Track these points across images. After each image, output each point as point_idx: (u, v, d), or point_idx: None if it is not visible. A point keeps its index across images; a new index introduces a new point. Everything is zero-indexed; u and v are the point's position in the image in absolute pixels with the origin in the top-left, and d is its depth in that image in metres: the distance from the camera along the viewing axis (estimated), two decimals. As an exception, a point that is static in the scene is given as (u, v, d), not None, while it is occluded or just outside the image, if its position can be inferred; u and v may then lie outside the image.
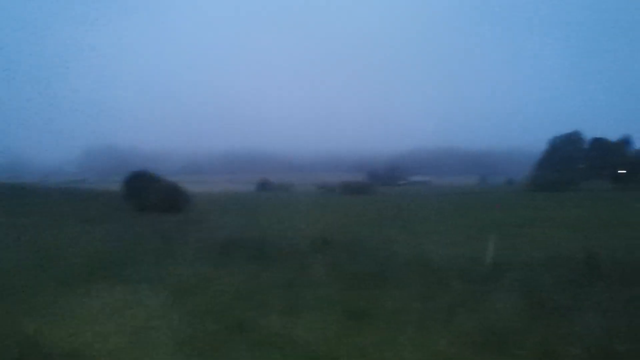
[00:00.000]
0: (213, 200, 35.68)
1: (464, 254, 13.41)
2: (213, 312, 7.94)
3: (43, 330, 7.09)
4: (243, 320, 7.56)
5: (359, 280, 10.18)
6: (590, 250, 10.86)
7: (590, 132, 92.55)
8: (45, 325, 7.28)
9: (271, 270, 11.10)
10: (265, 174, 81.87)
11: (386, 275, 10.63)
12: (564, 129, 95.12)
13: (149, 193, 25.99)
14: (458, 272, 10.84)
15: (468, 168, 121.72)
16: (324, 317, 7.79)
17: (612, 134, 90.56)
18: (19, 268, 11.06)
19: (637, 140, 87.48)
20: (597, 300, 8.09)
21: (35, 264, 11.50)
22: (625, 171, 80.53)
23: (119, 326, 7.34)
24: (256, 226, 18.92)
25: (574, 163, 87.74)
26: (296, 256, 12.58)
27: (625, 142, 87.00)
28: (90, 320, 7.59)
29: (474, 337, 6.94)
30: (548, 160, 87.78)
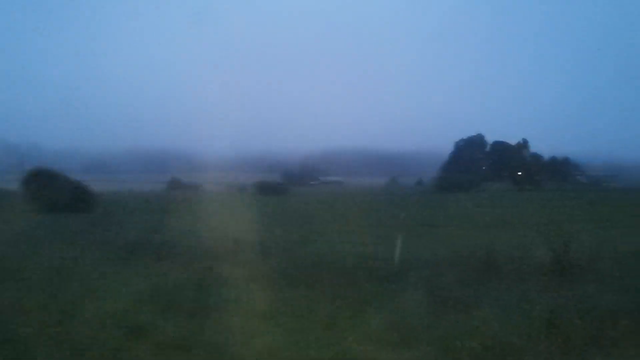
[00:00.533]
0: (121, 199, 34.47)
1: (373, 253, 13.74)
2: (114, 316, 7.66)
3: None
4: (146, 323, 7.35)
5: (269, 280, 10.18)
6: (489, 248, 11.45)
7: (493, 135, 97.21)
8: None
9: (178, 271, 10.88)
10: (176, 173, 79.91)
11: (296, 275, 10.69)
12: (469, 132, 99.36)
13: (50, 192, 24.65)
14: (367, 271, 11.10)
15: (379, 169, 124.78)
16: (232, 318, 7.73)
17: (512, 138, 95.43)
18: None
19: (533, 143, 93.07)
20: (495, 296, 8.56)
21: None
22: (523, 173, 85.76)
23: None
24: (164, 226, 18.45)
25: (477, 165, 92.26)
26: (205, 257, 12.39)
27: (523, 145, 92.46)
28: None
29: (380, 334, 7.13)
30: (454, 162, 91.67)
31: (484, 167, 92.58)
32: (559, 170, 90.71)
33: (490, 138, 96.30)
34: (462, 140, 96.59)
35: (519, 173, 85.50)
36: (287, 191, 55.16)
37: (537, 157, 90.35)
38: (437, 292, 8.86)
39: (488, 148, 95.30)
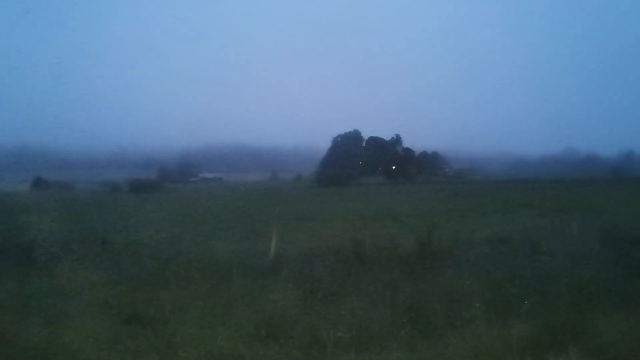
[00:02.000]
0: (-26, 200, 31.43)
1: (248, 249, 13.71)
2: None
3: None
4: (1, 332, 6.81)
5: (139, 282, 9.81)
6: (358, 239, 11.87)
7: (369, 132, 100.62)
8: None
9: (40, 276, 10.16)
10: (41, 171, 74.44)
11: (168, 275, 10.37)
12: (347, 128, 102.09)
13: None
14: (240, 267, 11.02)
15: (258, 164, 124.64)
16: (96, 323, 7.36)
17: (386, 134, 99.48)
18: None
19: (405, 139, 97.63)
20: (362, 286, 8.87)
21: None
22: (396, 167, 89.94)
23: None
24: (26, 228, 17.10)
25: (354, 160, 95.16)
26: (70, 259, 11.66)
27: (397, 140, 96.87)
28: None
29: (250, 329, 7.15)
30: (331, 157, 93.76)
31: (360, 162, 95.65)
32: (429, 164, 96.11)
33: (366, 134, 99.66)
34: (339, 135, 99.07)
35: (393, 167, 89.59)
36: (164, 189, 53.55)
37: (409, 152, 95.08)
38: (308, 284, 9.02)
39: (364, 143, 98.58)
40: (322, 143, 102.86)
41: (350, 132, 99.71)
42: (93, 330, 7.08)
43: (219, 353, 6.50)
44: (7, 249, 12.70)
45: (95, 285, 9.49)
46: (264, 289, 9.19)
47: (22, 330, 7.05)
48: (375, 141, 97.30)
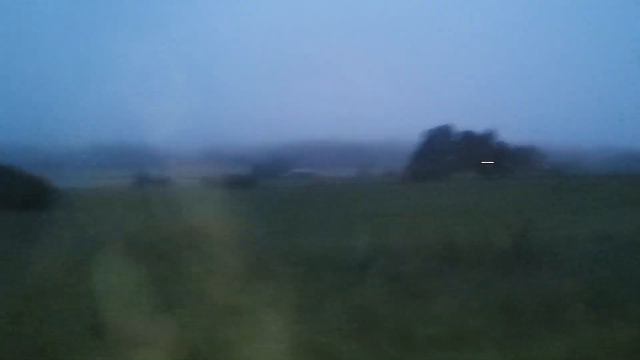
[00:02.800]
0: (85, 195, 33.89)
1: (339, 244, 13.80)
2: (72, 313, 7.56)
3: None
4: (105, 321, 7.27)
5: (235, 274, 10.15)
6: (451, 236, 11.63)
7: (461, 125, 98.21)
8: None
9: (142, 267, 10.75)
10: (144, 167, 78.91)
11: (262, 268, 10.69)
12: (438, 122, 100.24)
13: (8, 189, 24.11)
14: (331, 262, 11.17)
15: (349, 160, 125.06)
16: (194, 313, 7.70)
17: (480, 127, 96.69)
18: None
19: (501, 133, 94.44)
20: (454, 283, 8.70)
21: None
22: (490, 162, 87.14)
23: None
24: (130, 221, 18.21)
25: (445, 155, 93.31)
26: (170, 252, 12.30)
27: (490, 134, 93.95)
28: None
29: (341, 323, 7.21)
30: (422, 152, 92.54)
31: (452, 156, 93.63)
32: (524, 158, 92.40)
33: (458, 128, 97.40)
34: (431, 130, 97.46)
35: (486, 162, 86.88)
36: (257, 184, 55.03)
37: (503, 146, 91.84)
38: (398, 281, 8.97)
39: (456, 138, 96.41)
40: (412, 138, 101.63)
41: (441, 126, 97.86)
42: (191, 321, 7.41)
43: (310, 345, 6.60)
44: (111, 240, 13.57)
45: (193, 278, 9.91)
46: (354, 284, 9.23)
47: (123, 318, 7.47)
48: (467, 135, 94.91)
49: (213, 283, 9.45)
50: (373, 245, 12.58)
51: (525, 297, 7.90)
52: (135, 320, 7.35)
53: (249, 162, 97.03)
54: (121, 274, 10.21)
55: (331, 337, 6.78)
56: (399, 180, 70.18)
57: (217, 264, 10.95)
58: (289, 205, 29.18)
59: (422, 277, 9.33)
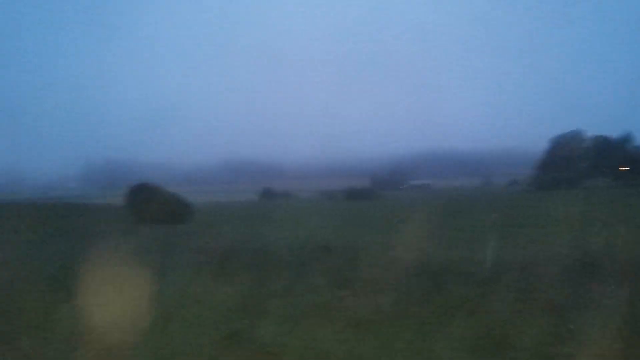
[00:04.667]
0: (215, 209, 35.83)
1: (463, 255, 13.46)
2: (208, 323, 7.99)
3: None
4: (239, 330, 7.61)
5: (359, 287, 10.23)
6: (586, 247, 10.91)
7: (591, 130, 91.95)
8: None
9: (271, 279, 11.15)
10: (267, 182, 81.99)
11: (386, 281, 10.67)
12: (564, 127, 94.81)
13: (149, 205, 26.09)
14: (456, 275, 10.89)
15: (468, 169, 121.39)
16: (322, 325, 7.84)
17: (614, 132, 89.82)
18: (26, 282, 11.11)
19: (638, 137, 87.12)
20: (591, 298, 8.14)
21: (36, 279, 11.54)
22: (626, 168, 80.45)
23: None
24: (257, 234, 18.98)
25: (576, 161, 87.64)
26: (296, 264, 12.63)
27: (627, 139, 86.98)
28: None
29: (471, 340, 7.00)
30: (550, 159, 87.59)
31: (584, 163, 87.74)
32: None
33: (589, 133, 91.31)
34: (559, 136, 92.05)
35: (622, 168, 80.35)
36: (377, 196, 55.02)
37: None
38: (530, 295, 8.56)
39: (587, 143, 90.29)
40: (534, 145, 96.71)
41: (570, 132, 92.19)
42: (319, 332, 7.56)
43: (440, 362, 6.48)
44: (240, 253, 14.23)
45: (318, 289, 10.11)
46: (482, 298, 8.93)
47: (255, 328, 7.77)
48: (601, 140, 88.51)
49: (342, 295, 9.59)
50: (500, 256, 12.12)
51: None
52: (267, 329, 7.65)
53: (368, 174, 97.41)
54: (250, 284, 10.67)
55: (460, 352, 6.61)
56: (525, 189, 66.92)
57: (344, 276, 11.11)
58: (409, 216, 28.84)
59: (554, 291, 8.84)
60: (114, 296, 9.68)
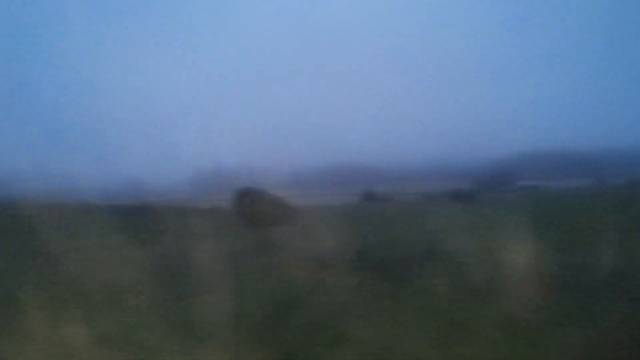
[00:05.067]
0: (318, 212, 36.26)
1: (581, 263, 12.75)
2: (313, 325, 8.12)
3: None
4: (344, 332, 7.68)
5: (465, 292, 10.00)
6: None
7: None
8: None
9: (374, 282, 11.17)
10: (368, 185, 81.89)
11: (494, 286, 10.35)
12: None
13: (255, 208, 26.96)
14: (571, 282, 10.38)
15: (581, 169, 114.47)
16: (428, 328, 7.75)
17: None
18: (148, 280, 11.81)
19: None
20: None
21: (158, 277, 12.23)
22: None
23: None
24: (360, 237, 19.02)
25: None
26: (399, 267, 12.56)
27: None
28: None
29: (592, 351, 6.65)
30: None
31: None
32: None
33: None
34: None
35: None
36: (481, 198, 53.30)
37: None
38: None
39: None
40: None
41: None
42: (425, 336, 7.47)
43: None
44: (344, 256, 14.31)
45: (424, 293, 9.99)
46: (602, 307, 8.45)
47: (361, 331, 7.80)
48: None
49: (447, 300, 9.43)
50: (619, 262, 11.36)
51: None
52: (373, 332, 7.67)
53: (472, 176, 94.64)
54: (353, 288, 10.74)
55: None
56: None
57: (449, 281, 10.90)
58: (515, 219, 27.69)
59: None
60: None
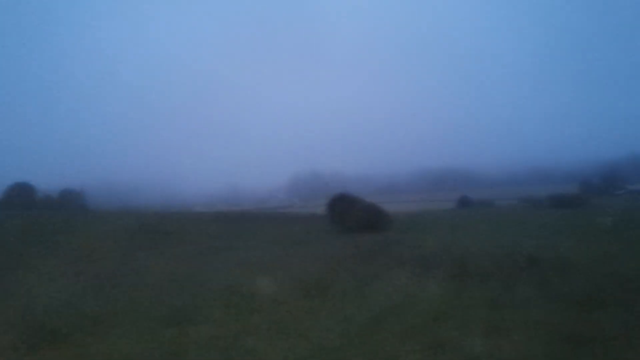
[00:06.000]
0: (412, 218, 35.91)
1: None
2: (413, 331, 8.06)
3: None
4: (444, 339, 7.56)
5: (570, 301, 9.53)
6: None
7: None
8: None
9: (474, 288, 10.90)
10: (464, 190, 79.99)
11: (601, 296, 9.80)
12: None
13: (350, 214, 27.08)
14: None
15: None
16: (531, 339, 7.47)
17: None
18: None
19: None
20: None
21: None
22: None
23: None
24: (457, 244, 18.63)
25: None
26: (500, 274, 12.18)
27: None
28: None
29: None
30: None
31: None
32: None
33: None
34: None
35: None
36: (588, 203, 50.39)
37: None
38: None
39: None
40: None
41: None
42: (529, 346, 7.21)
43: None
44: (442, 262, 14.09)
45: (527, 302, 9.63)
46: None
47: (461, 339, 7.64)
48: None
49: (550, 309, 9.05)
50: None
51: None
52: (473, 340, 7.50)
53: (578, 180, 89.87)
54: (451, 293, 10.54)
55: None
56: None
57: (552, 289, 10.45)
58: (626, 225, 25.94)
59: None
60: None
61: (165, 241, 21.98)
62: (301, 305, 10.05)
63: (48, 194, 49.61)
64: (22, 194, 45.51)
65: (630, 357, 6.72)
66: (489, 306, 9.41)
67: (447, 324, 8.34)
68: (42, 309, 10.12)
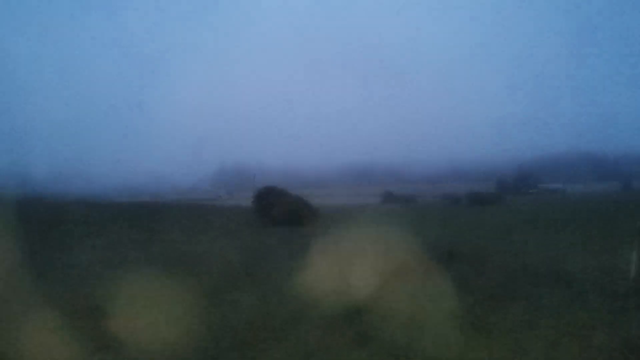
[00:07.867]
0: (338, 212, 36.32)
1: (601, 266, 12.59)
2: (337, 322, 8.14)
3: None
4: (366, 332, 7.68)
5: (485, 294, 9.95)
6: None
7: None
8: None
9: (394, 281, 11.13)
10: (387, 186, 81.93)
11: (514, 289, 10.31)
12: None
13: (277, 207, 27.12)
14: (594, 286, 10.27)
15: (608, 173, 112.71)
16: (447, 331, 7.75)
17: None
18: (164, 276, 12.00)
19: None
20: None
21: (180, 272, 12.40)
22: None
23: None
24: (381, 238, 18.99)
25: None
26: (419, 268, 12.51)
27: None
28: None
29: (612, 357, 6.58)
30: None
31: None
32: None
33: None
34: None
35: None
36: (503, 201, 52.84)
37: None
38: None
39: None
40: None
41: None
42: (444, 337, 7.47)
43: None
44: (365, 256, 14.30)
45: (442, 295, 9.95)
46: (625, 313, 8.35)
47: (384, 332, 7.79)
48: None
49: (467, 302, 9.38)
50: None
51: None
52: (394, 333, 7.68)
53: (493, 178, 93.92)
54: (371, 287, 10.71)
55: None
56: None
57: (469, 283, 10.86)
58: (538, 222, 27.39)
59: None
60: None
61: (82, 232, 21.14)
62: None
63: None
64: None
65: (532, 344, 7.11)
66: (406, 299, 9.64)
67: (369, 317, 8.52)
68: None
